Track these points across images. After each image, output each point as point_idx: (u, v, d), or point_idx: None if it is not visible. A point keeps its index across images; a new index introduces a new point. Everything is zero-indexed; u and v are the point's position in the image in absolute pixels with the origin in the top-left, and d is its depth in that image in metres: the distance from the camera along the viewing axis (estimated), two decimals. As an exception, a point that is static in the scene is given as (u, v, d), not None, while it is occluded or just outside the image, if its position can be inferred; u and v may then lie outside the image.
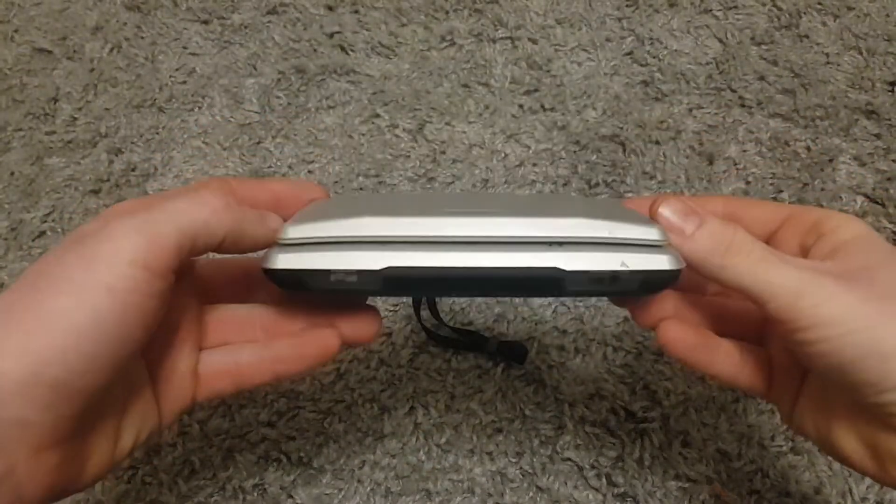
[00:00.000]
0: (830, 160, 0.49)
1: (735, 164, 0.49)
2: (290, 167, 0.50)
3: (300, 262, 0.24)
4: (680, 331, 0.28)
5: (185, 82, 0.55)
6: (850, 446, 0.26)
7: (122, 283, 0.21)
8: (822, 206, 0.47)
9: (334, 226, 0.24)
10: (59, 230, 0.49)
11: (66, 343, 0.20)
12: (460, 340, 0.43)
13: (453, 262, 0.23)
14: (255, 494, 0.39)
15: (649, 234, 0.24)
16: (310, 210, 0.27)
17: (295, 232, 0.25)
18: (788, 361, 0.29)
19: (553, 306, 0.44)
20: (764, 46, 0.54)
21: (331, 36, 0.56)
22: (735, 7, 0.55)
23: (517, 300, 0.44)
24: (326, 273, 0.24)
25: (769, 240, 0.28)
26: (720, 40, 0.54)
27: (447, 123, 0.52)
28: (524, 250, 0.23)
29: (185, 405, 0.27)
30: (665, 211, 0.26)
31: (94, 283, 0.21)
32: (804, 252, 0.27)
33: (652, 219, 0.26)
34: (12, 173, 0.51)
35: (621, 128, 0.51)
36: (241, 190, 0.27)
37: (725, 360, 0.29)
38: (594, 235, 0.24)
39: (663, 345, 0.28)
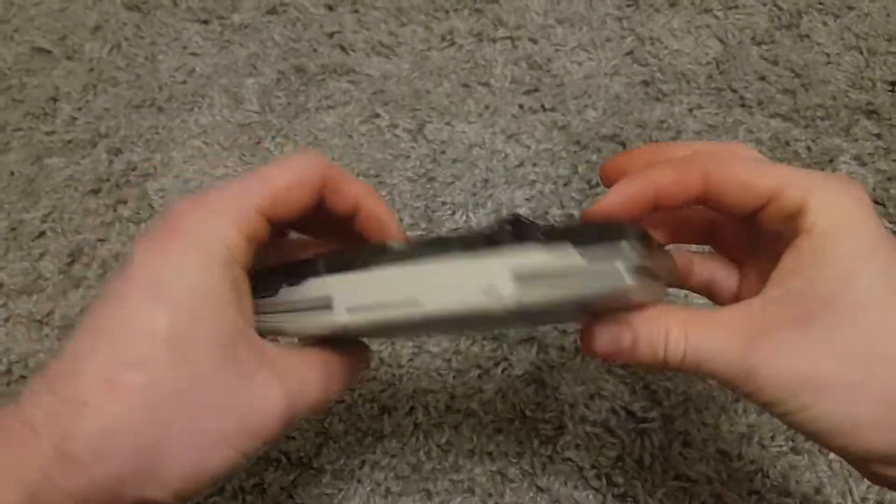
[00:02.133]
0: (831, 160, 0.49)
1: (735, 164, 0.49)
2: (290, 167, 0.50)
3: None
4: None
5: (184, 82, 0.55)
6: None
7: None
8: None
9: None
10: (59, 230, 0.49)
11: None
12: None
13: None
14: (255, 494, 0.39)
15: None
16: None
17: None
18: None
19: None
20: (764, 46, 0.54)
21: (331, 36, 0.56)
22: (735, 7, 0.55)
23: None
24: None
25: (750, 226, 0.27)
26: (721, 40, 0.54)
27: (447, 123, 0.52)
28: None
29: None
30: (599, 347, 0.25)
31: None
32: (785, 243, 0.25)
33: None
34: (12, 173, 0.51)
35: (622, 128, 0.51)
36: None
37: (700, 264, 0.30)
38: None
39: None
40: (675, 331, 0.24)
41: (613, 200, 0.26)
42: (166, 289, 0.22)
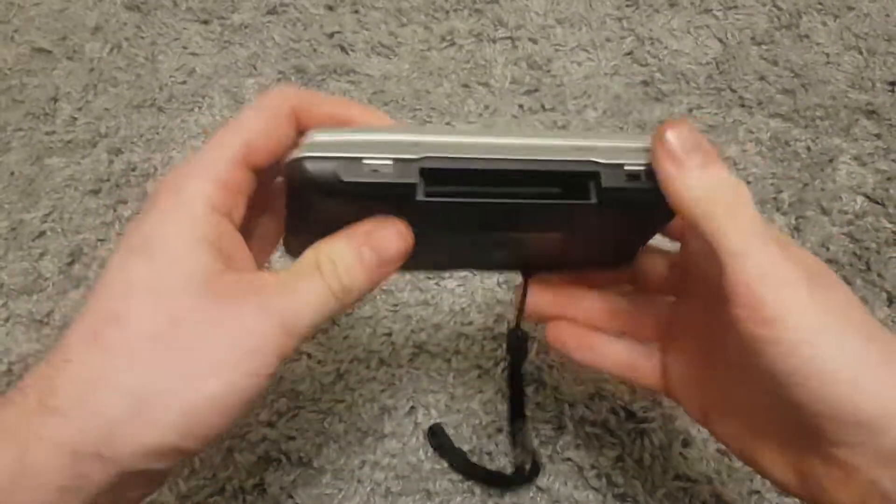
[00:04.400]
0: (830, 160, 0.49)
1: (735, 164, 0.49)
2: (290, 167, 0.51)
3: (331, 150, 0.23)
4: (567, 331, 0.31)
5: (185, 82, 0.55)
6: (770, 458, 0.26)
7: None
8: (822, 206, 0.47)
9: (366, 130, 0.24)
10: (59, 230, 0.49)
11: None
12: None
13: (492, 154, 0.23)
14: (255, 494, 0.39)
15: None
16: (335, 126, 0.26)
17: (322, 136, 0.23)
18: (700, 362, 0.29)
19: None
20: (764, 46, 0.54)
21: (331, 36, 0.56)
22: (735, 7, 0.55)
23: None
24: (359, 163, 0.22)
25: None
26: (720, 40, 0.54)
27: (447, 123, 0.52)
28: (558, 152, 0.24)
29: None
30: (671, 136, 0.23)
31: None
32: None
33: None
34: (12, 173, 0.51)
35: (621, 128, 0.51)
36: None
37: (613, 359, 0.31)
38: (624, 145, 0.24)
39: (550, 343, 0.31)
40: (742, 189, 0.24)
41: None
42: (144, 242, 0.23)
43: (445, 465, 0.40)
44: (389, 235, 0.25)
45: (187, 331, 0.22)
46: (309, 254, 0.25)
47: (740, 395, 0.27)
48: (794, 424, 0.24)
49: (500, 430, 0.41)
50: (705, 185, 0.23)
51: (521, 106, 0.52)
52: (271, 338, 0.23)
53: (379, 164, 0.23)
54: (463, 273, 0.45)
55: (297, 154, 0.23)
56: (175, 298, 0.22)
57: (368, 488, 0.39)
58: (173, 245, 0.23)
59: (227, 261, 0.24)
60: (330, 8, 0.57)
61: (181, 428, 0.22)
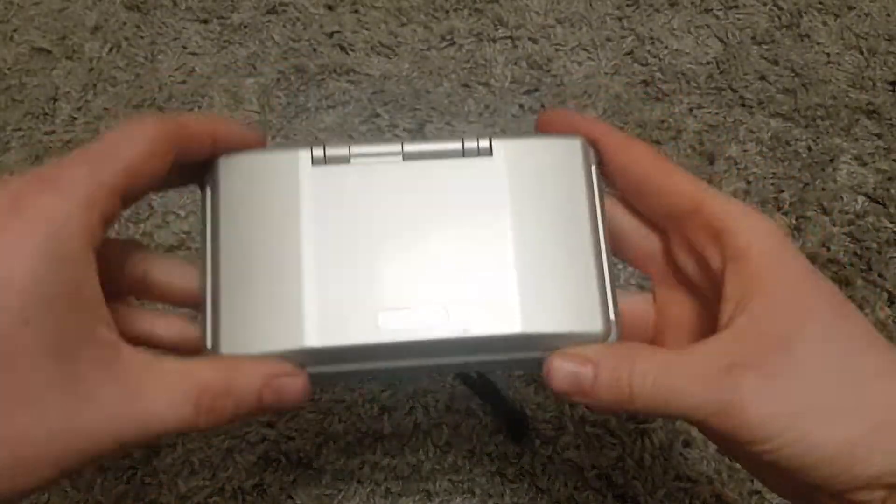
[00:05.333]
0: (831, 160, 0.49)
1: (736, 164, 0.49)
2: (289, 167, 0.50)
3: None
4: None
5: (184, 82, 0.54)
6: (778, 490, 0.26)
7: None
8: (823, 206, 0.47)
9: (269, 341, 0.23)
10: (59, 230, 0.48)
11: None
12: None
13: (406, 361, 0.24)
14: (255, 495, 0.39)
15: (589, 330, 0.24)
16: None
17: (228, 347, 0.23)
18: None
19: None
20: (765, 46, 0.53)
21: (331, 35, 0.56)
22: (735, 7, 0.55)
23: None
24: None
25: (666, 242, 0.26)
26: (721, 40, 0.54)
27: (447, 123, 0.51)
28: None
29: None
30: (558, 373, 0.23)
31: None
32: (701, 262, 0.25)
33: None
34: (11, 173, 0.51)
35: (622, 127, 0.51)
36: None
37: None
38: (531, 346, 0.24)
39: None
40: (642, 364, 0.22)
41: None
42: (1, 285, 0.19)
43: (446, 465, 0.40)
44: (295, 384, 0.23)
45: (33, 412, 0.19)
46: (204, 368, 0.22)
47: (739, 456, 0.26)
48: (796, 485, 0.23)
49: (499, 431, 0.41)
50: (608, 396, 0.22)
51: (521, 105, 0.52)
52: (117, 439, 0.20)
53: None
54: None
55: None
56: (28, 368, 0.19)
57: (368, 488, 0.39)
58: (38, 293, 0.19)
59: (96, 316, 0.20)
60: (330, 7, 0.57)
61: None
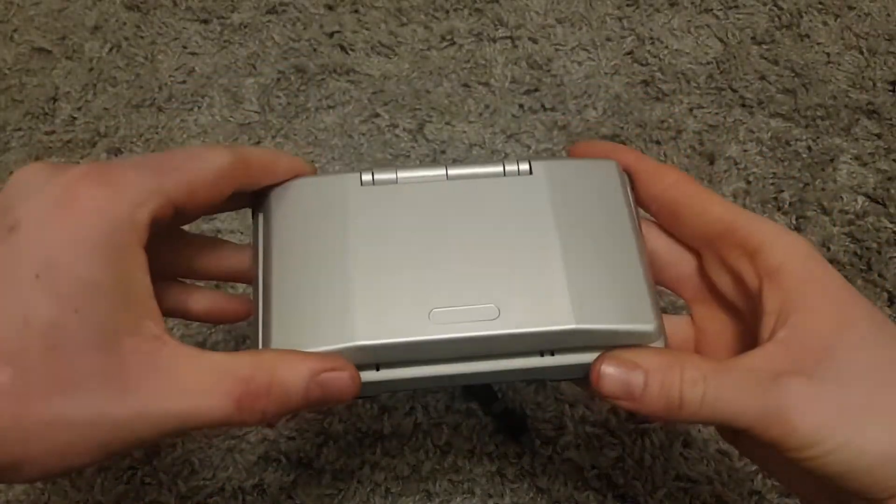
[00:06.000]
0: (831, 160, 0.49)
1: (736, 164, 0.49)
2: (289, 167, 0.50)
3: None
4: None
5: (184, 82, 0.54)
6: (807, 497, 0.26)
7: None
8: (823, 206, 0.47)
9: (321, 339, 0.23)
10: (59, 230, 0.48)
11: None
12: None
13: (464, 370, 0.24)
14: (255, 495, 0.39)
15: (641, 328, 0.24)
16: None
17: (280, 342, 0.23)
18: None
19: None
20: (765, 46, 0.53)
21: (331, 35, 0.56)
22: (736, 7, 0.55)
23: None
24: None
25: (700, 262, 0.27)
26: (721, 40, 0.54)
27: (447, 123, 0.51)
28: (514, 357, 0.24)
29: None
30: (607, 378, 0.23)
31: None
32: (736, 280, 0.26)
33: (598, 374, 0.23)
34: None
35: (622, 127, 0.51)
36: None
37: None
38: (583, 344, 0.24)
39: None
40: (691, 372, 0.22)
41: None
42: (53, 272, 0.19)
43: (446, 465, 0.40)
44: (342, 378, 0.23)
45: (79, 400, 0.20)
46: (247, 363, 0.22)
47: (768, 463, 0.27)
48: (832, 493, 0.23)
49: (499, 431, 0.41)
50: (657, 403, 0.23)
51: (521, 105, 0.52)
52: (158, 429, 0.20)
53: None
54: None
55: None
56: (77, 357, 0.19)
57: (368, 488, 0.39)
58: (90, 288, 0.20)
59: (143, 312, 0.21)
60: (330, 7, 0.57)
61: (37, 479, 0.21)
